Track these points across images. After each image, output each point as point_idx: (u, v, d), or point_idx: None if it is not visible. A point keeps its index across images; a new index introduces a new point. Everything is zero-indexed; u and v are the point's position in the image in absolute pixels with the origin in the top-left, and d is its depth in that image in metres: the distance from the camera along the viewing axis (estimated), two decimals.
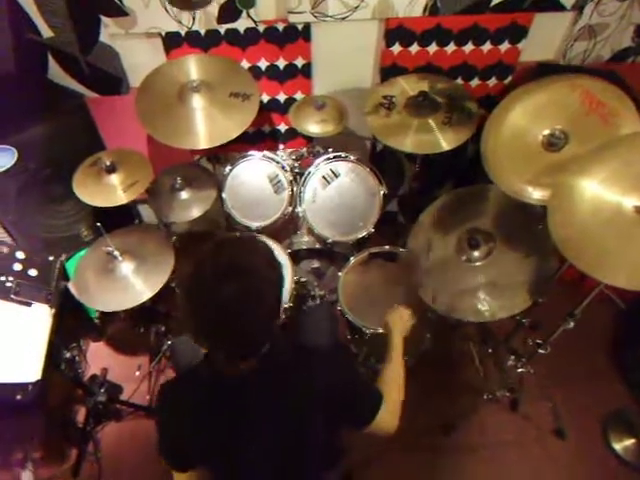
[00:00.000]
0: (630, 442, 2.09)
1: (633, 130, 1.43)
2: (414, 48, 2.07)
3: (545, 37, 2.10)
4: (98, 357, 2.45)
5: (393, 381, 1.31)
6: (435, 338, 2.16)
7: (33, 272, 1.59)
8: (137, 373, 2.32)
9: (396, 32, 2.02)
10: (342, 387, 1.10)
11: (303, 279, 2.23)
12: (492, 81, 2.23)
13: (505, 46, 2.10)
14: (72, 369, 1.99)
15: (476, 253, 1.76)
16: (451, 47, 2.09)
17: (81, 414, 2.20)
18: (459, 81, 2.20)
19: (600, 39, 2.11)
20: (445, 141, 1.76)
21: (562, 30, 2.09)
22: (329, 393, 1.07)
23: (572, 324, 1.66)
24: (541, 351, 1.85)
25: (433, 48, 2.08)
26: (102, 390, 2.03)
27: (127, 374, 2.33)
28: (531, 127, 1.58)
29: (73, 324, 2.20)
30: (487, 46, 2.09)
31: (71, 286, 1.93)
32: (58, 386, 1.99)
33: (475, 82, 2.22)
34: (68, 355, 1.84)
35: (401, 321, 1.54)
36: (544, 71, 2.12)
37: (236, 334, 0.92)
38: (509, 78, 2.23)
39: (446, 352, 2.38)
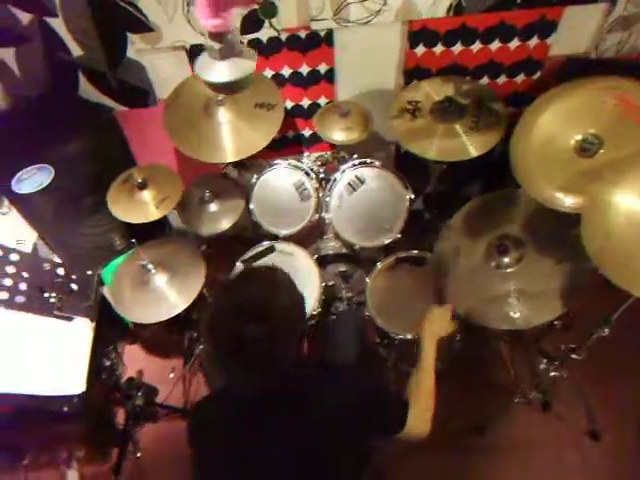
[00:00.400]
0: None
1: None
2: (438, 49, 2.04)
3: (576, 30, 2.03)
4: (134, 359, 2.54)
5: (423, 387, 1.29)
6: (465, 338, 2.16)
7: (73, 287, 1.66)
8: (171, 375, 2.40)
9: (420, 33, 1.99)
10: (366, 402, 1.11)
11: (330, 283, 2.24)
12: (520, 77, 2.18)
13: (534, 42, 2.04)
14: (112, 376, 2.07)
15: (506, 259, 1.73)
16: (477, 46, 2.04)
17: (120, 415, 2.30)
18: (485, 80, 2.15)
19: (635, 30, 2.03)
20: (473, 147, 1.73)
21: (594, 22, 2.01)
22: (351, 409, 1.08)
23: (607, 331, 1.63)
24: (575, 356, 1.82)
25: (458, 48, 2.05)
26: (139, 394, 2.11)
27: (162, 376, 2.41)
28: (562, 132, 1.53)
29: (110, 329, 2.28)
30: (515, 43, 2.04)
31: (107, 293, 2.01)
32: (99, 391, 2.07)
33: (502, 80, 2.17)
34: (108, 363, 1.91)
35: (440, 321, 1.48)
36: (574, 66, 2.07)
37: (256, 368, 0.95)
38: (538, 74, 2.17)
39: (476, 352, 2.36)
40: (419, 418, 1.21)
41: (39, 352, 1.49)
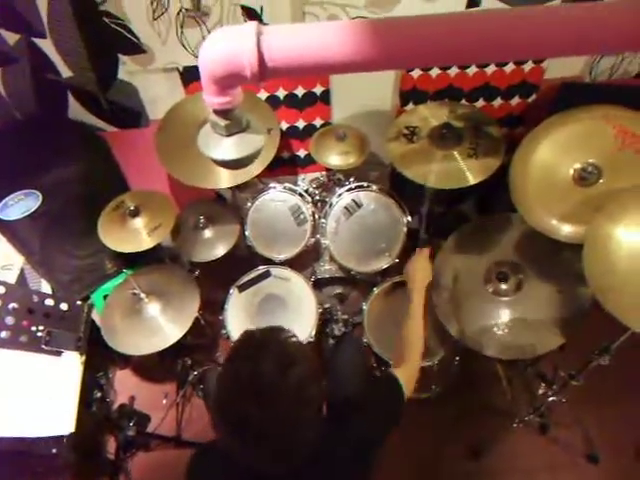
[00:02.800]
0: None
1: None
2: (434, 72, 2.03)
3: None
4: (125, 385, 2.47)
5: (413, 340, 1.34)
6: (462, 360, 2.14)
7: (62, 318, 1.60)
8: (164, 401, 2.33)
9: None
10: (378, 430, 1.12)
11: (326, 305, 2.22)
12: (515, 100, 2.17)
13: (529, 66, 2.04)
14: (102, 405, 2.00)
15: (504, 286, 1.72)
16: (472, 69, 2.04)
17: (111, 444, 2.23)
18: (481, 102, 2.15)
19: (628, 54, 2.04)
20: (471, 173, 1.71)
21: None
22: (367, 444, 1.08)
23: (607, 360, 1.62)
24: (574, 383, 1.81)
25: (454, 71, 2.04)
26: (131, 424, 2.05)
27: (154, 401, 2.35)
28: (561, 161, 1.53)
29: (101, 354, 2.22)
30: (510, 67, 2.04)
31: (97, 319, 1.95)
32: (89, 423, 2.01)
33: (497, 102, 2.17)
34: (98, 395, 1.84)
35: (422, 266, 1.56)
36: (569, 90, 2.07)
37: (270, 453, 0.88)
38: (533, 96, 2.17)
39: (473, 375, 2.34)
40: (408, 376, 1.23)
41: (26, 390, 1.43)
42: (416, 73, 2.03)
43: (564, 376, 1.85)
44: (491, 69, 2.03)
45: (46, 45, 1.80)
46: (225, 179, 1.79)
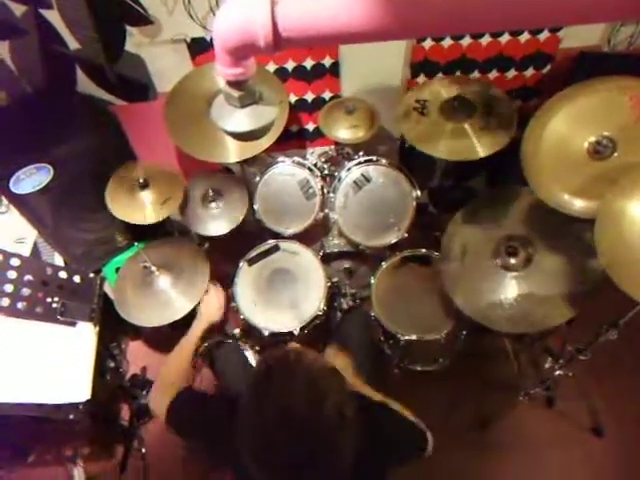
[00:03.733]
0: None
1: None
2: (447, 42, 1.98)
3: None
4: (137, 355, 2.53)
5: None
6: (469, 334, 2.15)
7: (75, 290, 1.63)
8: None
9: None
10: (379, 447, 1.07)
11: (335, 279, 2.23)
12: (530, 71, 2.12)
13: (544, 35, 1.98)
14: (116, 375, 2.06)
15: (514, 261, 1.71)
16: (486, 39, 1.98)
17: (125, 412, 2.31)
18: (494, 73, 2.10)
19: None
20: (481, 147, 1.69)
21: None
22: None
23: (615, 335, 1.62)
24: (581, 357, 1.82)
25: (467, 41, 1.99)
26: (144, 392, 2.11)
27: None
28: (575, 134, 1.49)
29: (114, 326, 2.27)
30: (525, 36, 1.98)
31: (110, 292, 1.99)
32: (103, 392, 2.07)
33: (511, 73, 2.12)
34: (112, 365, 1.89)
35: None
36: (586, 60, 2.02)
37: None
38: (548, 67, 2.11)
39: (481, 348, 2.36)
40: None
41: (43, 359, 1.47)
42: (427, 44, 1.98)
43: (571, 350, 1.86)
44: (505, 38, 1.98)
45: (53, 16, 1.78)
46: (234, 153, 1.79)
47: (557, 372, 1.99)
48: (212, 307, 1.69)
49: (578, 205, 1.49)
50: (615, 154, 1.45)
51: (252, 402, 0.86)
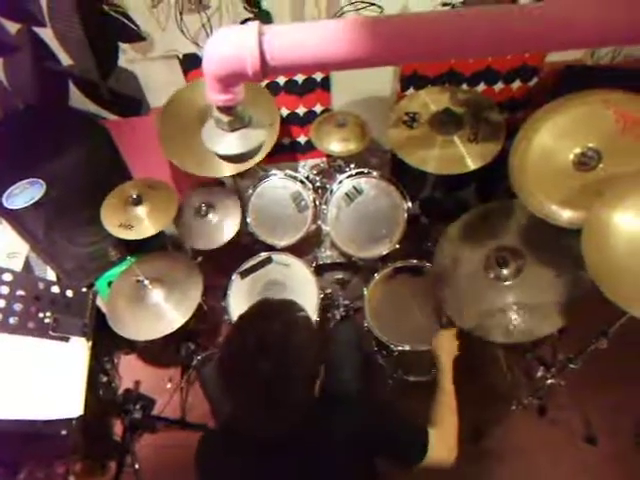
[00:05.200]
0: None
1: None
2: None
3: None
4: (130, 369, 2.52)
5: (445, 412, 1.28)
6: (463, 343, 2.16)
7: (68, 305, 1.63)
8: (168, 385, 2.39)
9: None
10: (376, 435, 1.10)
11: (328, 291, 2.24)
12: (516, 84, 2.16)
13: None
14: (108, 390, 2.04)
15: (505, 271, 1.73)
16: None
17: (117, 426, 2.28)
18: (482, 86, 2.14)
19: None
20: (471, 159, 1.72)
21: None
22: (360, 442, 1.06)
23: (605, 343, 1.64)
24: (572, 366, 1.83)
25: None
26: (137, 407, 2.09)
27: (159, 386, 2.40)
28: (561, 146, 1.53)
29: (106, 340, 2.26)
30: None
31: (102, 306, 1.98)
32: (96, 407, 2.05)
33: (499, 87, 2.16)
34: (104, 379, 1.88)
35: (449, 344, 1.55)
36: (572, 74, 2.06)
37: (266, 408, 0.93)
38: (534, 80, 2.15)
39: (473, 358, 2.36)
40: (442, 444, 1.17)
41: (35, 375, 1.46)
42: None
43: (563, 360, 1.87)
44: None
45: (46, 34, 1.80)
46: (227, 167, 1.81)
47: (549, 381, 2.00)
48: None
49: (566, 215, 1.51)
50: (600, 165, 1.48)
51: (243, 316, 0.99)
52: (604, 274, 1.27)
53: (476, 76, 2.10)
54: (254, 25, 0.94)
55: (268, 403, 0.92)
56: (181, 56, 1.93)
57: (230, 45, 0.96)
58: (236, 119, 1.14)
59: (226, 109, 1.11)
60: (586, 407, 2.14)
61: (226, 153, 1.17)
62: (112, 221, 1.74)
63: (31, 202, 1.78)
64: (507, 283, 1.72)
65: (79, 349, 1.59)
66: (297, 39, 0.93)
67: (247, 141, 1.17)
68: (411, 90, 2.11)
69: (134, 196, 1.73)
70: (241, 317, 0.98)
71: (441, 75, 2.08)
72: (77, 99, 2.03)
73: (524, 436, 2.17)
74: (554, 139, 1.54)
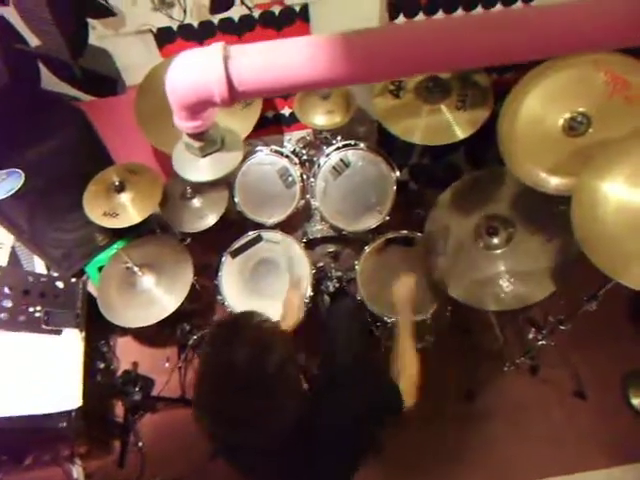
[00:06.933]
0: None
1: None
2: (420, 17, 1.94)
3: None
4: (127, 351, 2.53)
5: (407, 360, 1.34)
6: (455, 308, 2.19)
7: (58, 297, 1.61)
8: (166, 364, 2.41)
9: (400, 3, 1.88)
10: (366, 407, 1.12)
11: (320, 264, 2.24)
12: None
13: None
14: (107, 374, 2.06)
15: (495, 240, 1.74)
16: None
17: (119, 407, 2.32)
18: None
19: None
20: (460, 128, 1.68)
21: None
22: (350, 427, 1.08)
23: (594, 306, 1.67)
24: (562, 327, 1.87)
25: None
26: (136, 389, 2.11)
27: (157, 366, 2.42)
28: (550, 111, 1.50)
29: (100, 325, 2.26)
30: None
31: (94, 291, 1.97)
32: (95, 392, 2.07)
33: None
34: (102, 366, 1.89)
35: (406, 290, 1.57)
36: None
37: (252, 435, 0.92)
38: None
39: (466, 322, 2.41)
40: (406, 393, 1.24)
41: (31, 370, 1.46)
42: (401, 21, 1.93)
43: (553, 321, 1.91)
44: None
45: (10, 13, 1.70)
46: None
47: (540, 342, 2.05)
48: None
49: (554, 183, 1.51)
50: (590, 130, 1.46)
51: (205, 351, 0.96)
52: (592, 243, 1.28)
53: None
54: (218, 48, 0.87)
55: (252, 428, 0.90)
56: (155, 30, 1.84)
57: (194, 72, 0.89)
58: (208, 144, 1.06)
59: (196, 135, 1.04)
60: (575, 364, 2.20)
61: (199, 180, 1.11)
62: (96, 210, 1.70)
63: (11, 192, 1.73)
64: (498, 251, 1.73)
65: (73, 340, 1.58)
66: (265, 60, 0.87)
67: (221, 166, 1.10)
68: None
69: (117, 183, 1.69)
70: (205, 349, 0.95)
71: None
72: (49, 81, 1.93)
73: (517, 394, 2.24)
74: (543, 104, 1.51)
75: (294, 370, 0.94)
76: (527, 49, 0.85)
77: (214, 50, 0.89)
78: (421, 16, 1.93)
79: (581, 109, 1.46)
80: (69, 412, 1.45)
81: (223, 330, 0.95)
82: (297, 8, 1.86)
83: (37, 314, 1.51)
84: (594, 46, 0.88)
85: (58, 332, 1.55)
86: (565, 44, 0.83)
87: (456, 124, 1.69)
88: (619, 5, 0.81)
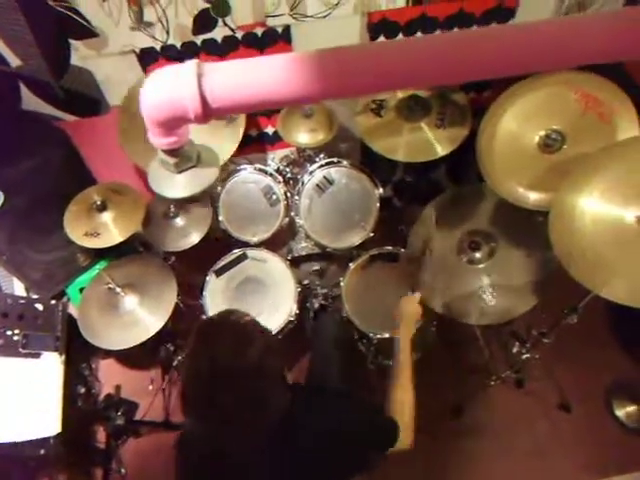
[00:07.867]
0: (632, 408, 2.17)
1: (631, 127, 1.41)
2: (399, 39, 1.99)
3: (533, 16, 2.02)
4: (109, 373, 2.47)
5: (404, 397, 1.31)
6: (439, 323, 2.20)
7: (38, 319, 1.58)
8: (150, 387, 2.36)
9: (380, 25, 1.93)
10: (352, 430, 1.11)
11: (305, 282, 2.24)
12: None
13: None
14: (88, 399, 2.01)
15: (478, 255, 1.76)
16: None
17: (101, 433, 2.25)
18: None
19: (590, 12, 2.03)
20: (440, 145, 1.72)
21: (550, 7, 2.01)
22: (336, 438, 1.07)
23: (575, 319, 1.69)
24: (545, 340, 1.89)
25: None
26: (119, 413, 2.06)
27: (140, 388, 2.37)
28: (526, 129, 1.55)
29: (82, 346, 2.21)
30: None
31: (74, 313, 1.93)
32: (76, 418, 2.01)
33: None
34: (82, 390, 1.84)
35: (412, 308, 1.48)
36: None
37: (237, 425, 0.93)
38: None
39: (451, 336, 2.42)
40: (405, 429, 1.21)
41: (8, 396, 1.42)
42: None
43: (536, 335, 1.93)
44: None
45: None
46: None
47: (525, 356, 2.06)
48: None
49: (532, 198, 1.55)
50: (564, 146, 1.51)
51: (188, 348, 0.97)
52: (571, 257, 1.30)
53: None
54: (192, 65, 0.89)
55: (239, 422, 0.92)
56: (138, 51, 1.85)
57: (168, 89, 0.90)
58: (183, 160, 1.06)
59: (171, 152, 1.04)
60: (560, 377, 2.22)
61: (175, 197, 1.11)
62: (77, 230, 1.68)
63: None
64: (481, 266, 1.75)
65: (52, 364, 1.55)
66: (239, 77, 0.88)
67: (198, 182, 1.10)
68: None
69: (98, 202, 1.67)
70: (188, 347, 0.96)
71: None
72: (31, 102, 1.92)
73: (503, 408, 2.25)
74: (519, 123, 1.56)
75: (276, 362, 0.96)
76: (499, 66, 0.88)
77: (188, 67, 0.90)
78: (401, 37, 1.99)
79: (555, 126, 1.51)
80: (47, 439, 1.41)
81: (204, 328, 0.99)
82: (279, 29, 1.90)
83: (15, 337, 1.47)
84: (566, 63, 0.91)
85: (37, 356, 1.51)
86: (527, 63, 0.86)
87: (436, 141, 1.72)
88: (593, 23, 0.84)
